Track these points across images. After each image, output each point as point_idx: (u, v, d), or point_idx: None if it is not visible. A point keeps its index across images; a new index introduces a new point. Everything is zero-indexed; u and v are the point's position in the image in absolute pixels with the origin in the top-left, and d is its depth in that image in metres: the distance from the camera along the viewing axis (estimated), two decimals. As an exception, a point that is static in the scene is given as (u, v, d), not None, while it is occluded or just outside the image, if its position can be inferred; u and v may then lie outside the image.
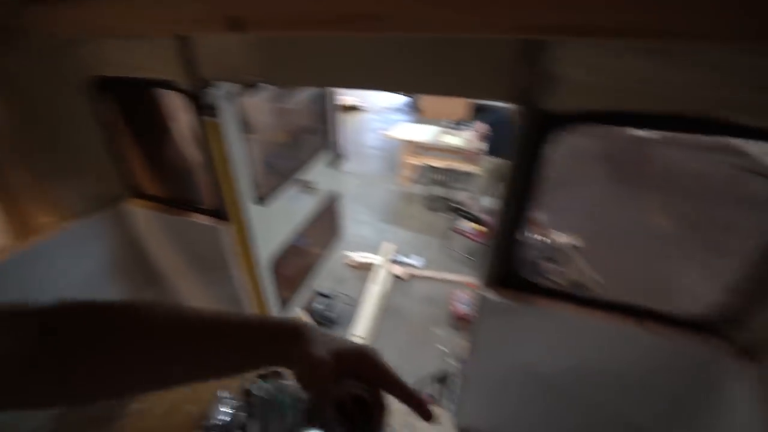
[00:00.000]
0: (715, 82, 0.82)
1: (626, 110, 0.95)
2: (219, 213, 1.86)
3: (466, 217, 4.42)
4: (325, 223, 2.93)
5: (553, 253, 3.72)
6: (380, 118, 9.36)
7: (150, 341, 0.48)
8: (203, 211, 1.93)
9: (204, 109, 1.55)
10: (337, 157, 2.83)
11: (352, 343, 0.55)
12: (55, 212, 1.90)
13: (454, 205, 4.59)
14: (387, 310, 3.90)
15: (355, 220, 5.29)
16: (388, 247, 4.62)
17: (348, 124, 8.90)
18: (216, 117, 1.58)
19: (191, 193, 2.17)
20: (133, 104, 1.98)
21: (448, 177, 5.45)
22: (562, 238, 3.97)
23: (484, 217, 4.46)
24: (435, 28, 0.78)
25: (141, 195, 2.08)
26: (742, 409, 1.08)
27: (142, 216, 2.08)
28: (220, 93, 1.57)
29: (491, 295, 1.38)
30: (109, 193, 2.04)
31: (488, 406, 1.73)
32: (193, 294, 2.29)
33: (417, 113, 9.20)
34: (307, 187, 2.41)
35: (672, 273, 3.22)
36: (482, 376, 1.65)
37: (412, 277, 4.33)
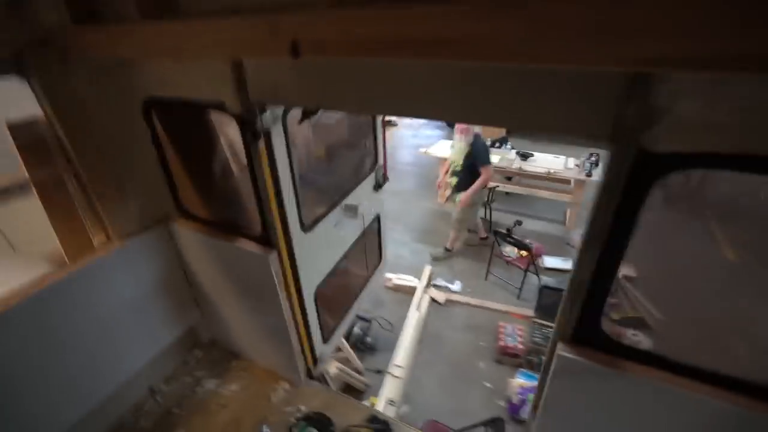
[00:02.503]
0: None
1: (752, 154, 0.76)
2: (265, 240, 1.78)
3: (510, 242, 4.17)
4: (369, 247, 2.81)
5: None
6: (415, 134, 9.28)
7: None
8: (249, 237, 1.86)
9: (253, 132, 1.49)
10: (382, 179, 2.73)
11: None
12: (110, 230, 1.92)
13: (498, 229, 4.36)
14: (426, 337, 3.70)
15: (393, 240, 5.15)
16: (427, 270, 4.45)
17: (390, 137, 8.87)
18: (265, 141, 1.52)
19: (237, 217, 2.12)
20: (184, 125, 1.97)
21: (489, 198, 5.24)
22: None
23: (528, 242, 4.20)
24: (519, 59, 0.64)
25: (189, 216, 2.05)
26: None
27: (189, 237, 2.05)
28: (271, 117, 1.51)
29: (566, 353, 1.19)
30: (159, 213, 2.03)
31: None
32: (238, 318, 2.22)
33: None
34: (352, 212, 2.30)
35: (744, 313, 2.84)
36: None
37: (451, 302, 4.12)
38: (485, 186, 4.31)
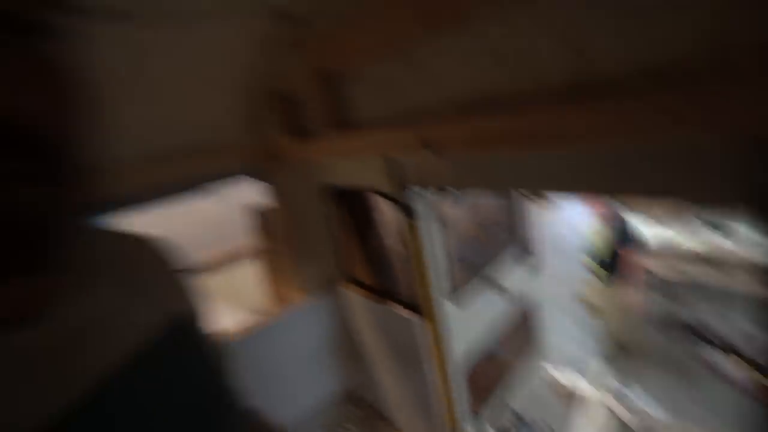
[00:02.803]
0: None
1: None
2: (415, 307, 1.98)
3: (722, 350, 3.22)
4: (520, 330, 2.68)
5: None
6: (578, 209, 8.41)
7: None
8: (401, 303, 2.10)
9: (406, 210, 1.81)
10: (529, 255, 2.68)
11: None
12: (299, 288, 2.49)
13: (697, 327, 3.46)
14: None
15: (554, 329, 4.61)
16: (600, 371, 3.77)
17: (540, 216, 8.36)
18: (415, 218, 1.81)
19: (392, 284, 2.42)
20: (351, 205, 2.47)
21: (679, 288, 4.25)
22: None
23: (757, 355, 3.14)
24: (639, 137, 0.70)
25: (353, 281, 2.47)
26: None
27: (352, 299, 2.44)
28: (420, 197, 1.81)
29: None
30: (332, 277, 2.52)
31: None
32: (389, 382, 2.41)
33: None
34: (501, 289, 2.32)
35: None
36: None
37: (632, 418, 3.30)
38: (639, 272, 3.60)
